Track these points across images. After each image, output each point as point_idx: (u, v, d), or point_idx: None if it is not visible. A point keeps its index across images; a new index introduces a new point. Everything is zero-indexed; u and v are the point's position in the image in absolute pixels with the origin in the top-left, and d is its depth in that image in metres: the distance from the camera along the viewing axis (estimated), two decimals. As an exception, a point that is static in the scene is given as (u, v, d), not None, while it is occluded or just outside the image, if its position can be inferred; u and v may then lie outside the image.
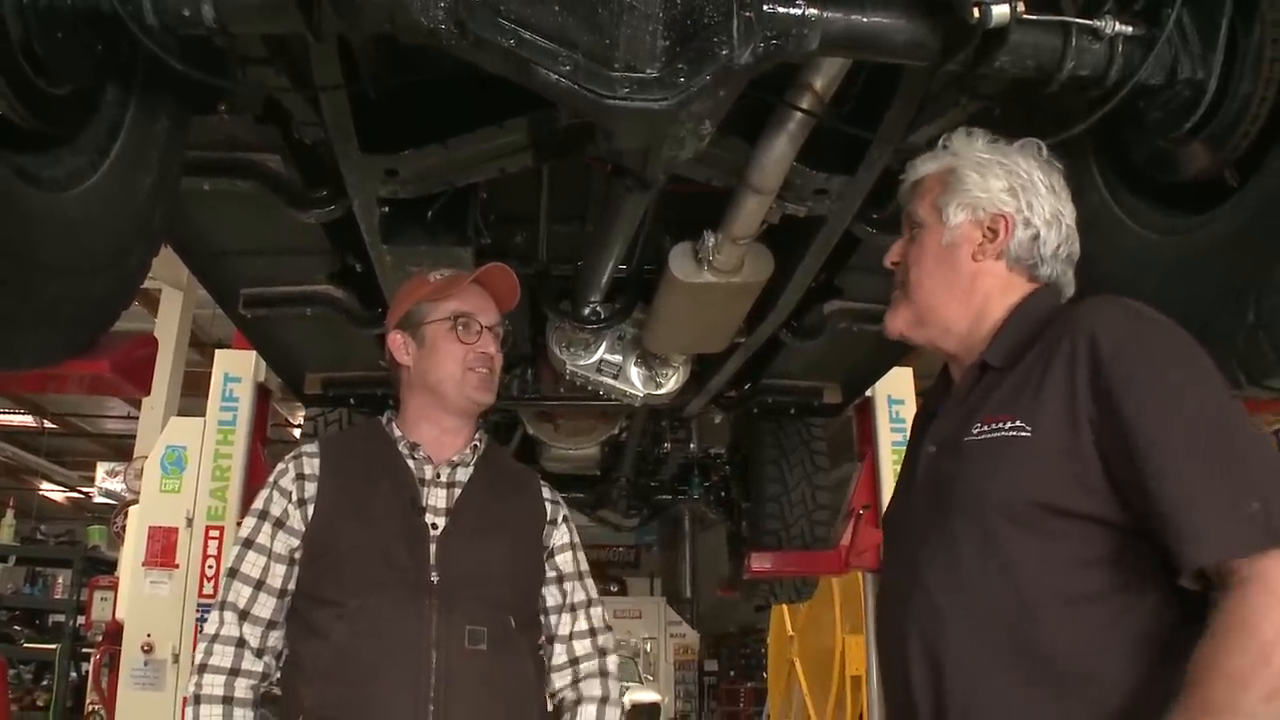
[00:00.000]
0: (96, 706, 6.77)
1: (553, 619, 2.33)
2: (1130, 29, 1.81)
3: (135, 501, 7.22)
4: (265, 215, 2.83)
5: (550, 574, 2.33)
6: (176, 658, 5.22)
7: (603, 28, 1.56)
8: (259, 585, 2.11)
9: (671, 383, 3.83)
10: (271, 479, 2.21)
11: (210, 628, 2.10)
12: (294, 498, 2.15)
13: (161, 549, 5.24)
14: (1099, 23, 1.80)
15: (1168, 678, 1.32)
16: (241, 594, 2.10)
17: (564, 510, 2.41)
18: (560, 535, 2.36)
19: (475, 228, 2.90)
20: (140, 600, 5.29)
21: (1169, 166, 1.98)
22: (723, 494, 6.33)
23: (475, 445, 2.30)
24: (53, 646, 9.18)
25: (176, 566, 5.23)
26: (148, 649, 5.22)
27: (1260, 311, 1.74)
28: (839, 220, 2.74)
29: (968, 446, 1.56)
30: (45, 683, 9.64)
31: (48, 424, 17.76)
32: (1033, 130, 2.24)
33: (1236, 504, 1.32)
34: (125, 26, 1.64)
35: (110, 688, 5.88)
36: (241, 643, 2.07)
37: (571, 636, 2.33)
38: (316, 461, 2.20)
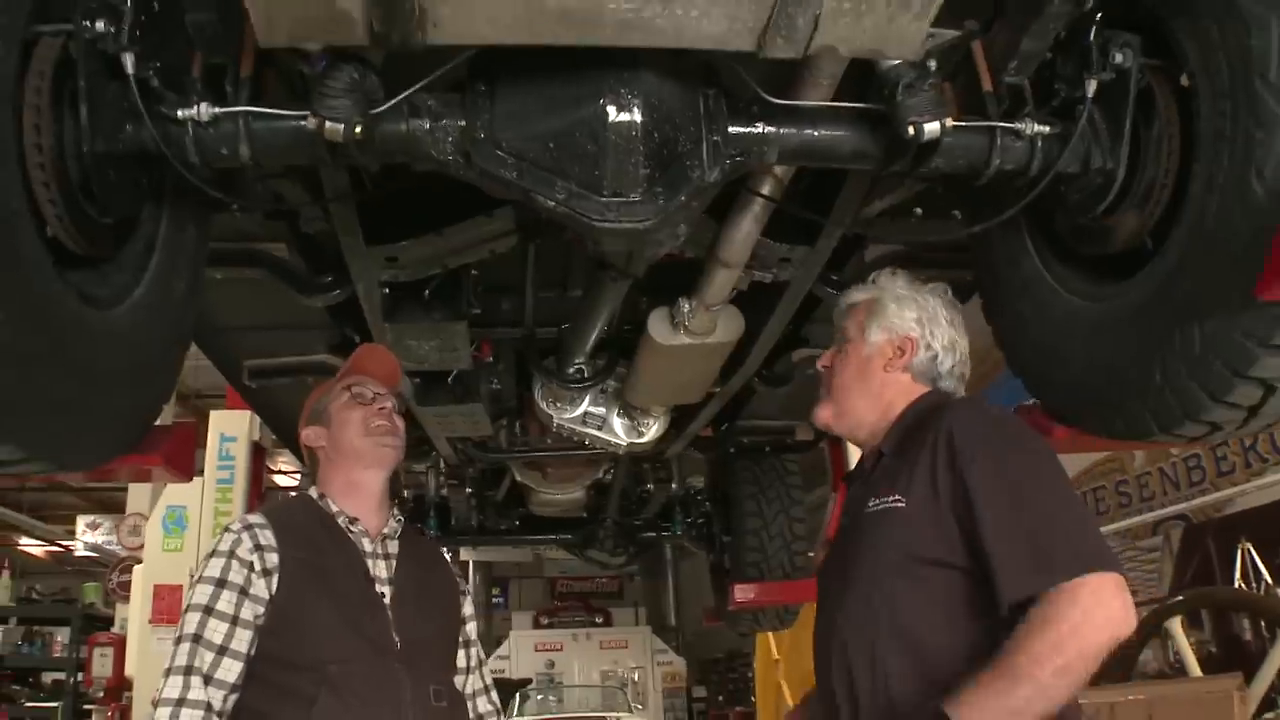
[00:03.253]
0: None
1: (458, 679, 2.53)
2: (1047, 128, 2.07)
3: (132, 559, 7.35)
4: (269, 295, 3.04)
5: (461, 639, 2.56)
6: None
7: (591, 159, 1.81)
8: (222, 651, 2.13)
9: (652, 431, 4.06)
10: (225, 548, 2.23)
11: (173, 692, 2.07)
12: (256, 567, 2.20)
13: (167, 606, 5.41)
14: (1020, 125, 2.06)
15: None
16: (205, 659, 2.11)
17: (466, 582, 2.70)
18: (469, 604, 2.63)
19: (467, 302, 3.13)
20: (149, 657, 5.44)
21: (1089, 241, 2.24)
22: (704, 529, 6.54)
23: (399, 519, 2.51)
24: (54, 705, 9.25)
25: (182, 622, 5.40)
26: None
27: (1165, 373, 2.00)
28: (802, 284, 2.99)
29: (866, 517, 1.96)
30: (44, 742, 9.70)
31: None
32: (969, 203, 2.52)
33: (1040, 552, 1.71)
34: (167, 161, 1.87)
35: (123, 744, 6.01)
36: (209, 707, 2.08)
37: (474, 695, 2.57)
38: (270, 533, 2.26)
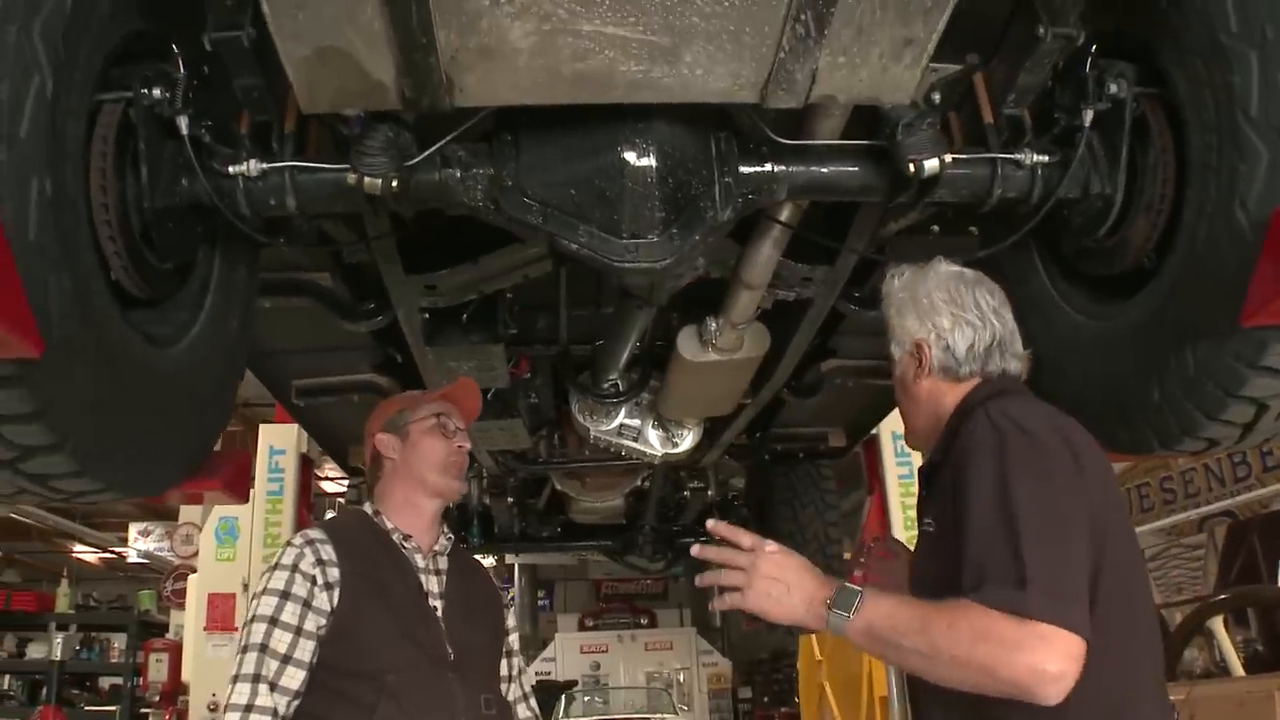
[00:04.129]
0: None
1: (501, 686, 2.66)
2: (1047, 157, 2.15)
3: (186, 567, 7.57)
4: (315, 320, 3.20)
5: (504, 649, 2.69)
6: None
7: (610, 204, 1.93)
8: (286, 659, 2.23)
9: (687, 442, 4.19)
10: (289, 562, 2.32)
11: (241, 698, 2.19)
12: (318, 581, 2.30)
13: (221, 614, 5.62)
14: (1020, 155, 2.14)
15: None
16: (270, 667, 2.21)
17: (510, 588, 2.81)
18: (511, 617, 2.76)
19: (504, 324, 3.27)
20: (204, 663, 5.66)
21: (1092, 262, 2.33)
22: (742, 533, 6.61)
23: (449, 536, 2.63)
24: (112, 709, 9.54)
25: (236, 630, 5.60)
26: (213, 708, 5.58)
27: (1163, 392, 2.09)
28: (825, 301, 3.09)
29: (920, 537, 1.97)
30: (101, 744, 9.99)
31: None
32: (984, 221, 2.59)
33: (1002, 572, 1.62)
34: (220, 211, 2.02)
35: (180, 747, 6.23)
36: (275, 713, 2.19)
37: (515, 702, 2.69)
38: (330, 548, 2.35)
